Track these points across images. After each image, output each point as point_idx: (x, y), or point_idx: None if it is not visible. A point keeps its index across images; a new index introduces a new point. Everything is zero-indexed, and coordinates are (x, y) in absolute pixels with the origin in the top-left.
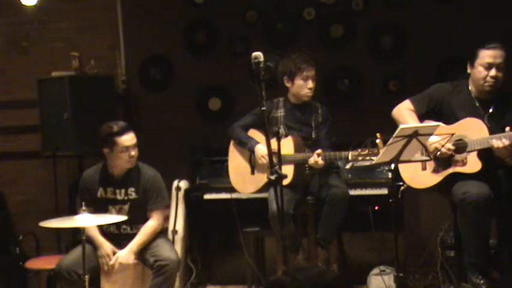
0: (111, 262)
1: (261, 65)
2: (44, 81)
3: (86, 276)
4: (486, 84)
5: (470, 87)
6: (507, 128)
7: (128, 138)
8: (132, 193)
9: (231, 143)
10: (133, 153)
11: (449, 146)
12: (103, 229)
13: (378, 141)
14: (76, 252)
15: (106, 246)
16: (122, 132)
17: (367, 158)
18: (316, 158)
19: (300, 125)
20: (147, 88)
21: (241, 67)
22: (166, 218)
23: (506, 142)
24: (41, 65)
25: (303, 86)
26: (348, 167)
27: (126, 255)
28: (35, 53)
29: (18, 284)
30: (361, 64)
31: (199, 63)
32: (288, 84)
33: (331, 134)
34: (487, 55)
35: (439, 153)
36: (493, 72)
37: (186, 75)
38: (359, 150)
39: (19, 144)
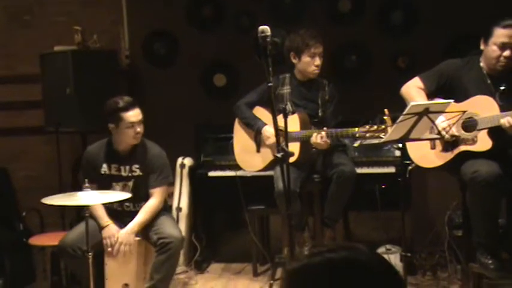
0: (112, 242)
1: (268, 40)
2: (46, 55)
3: (90, 254)
4: (499, 64)
5: (481, 64)
6: None
7: (134, 114)
8: (137, 170)
9: (236, 120)
10: (138, 129)
11: (456, 132)
12: (105, 206)
13: (385, 117)
14: (79, 229)
15: (111, 227)
16: (128, 107)
17: (376, 134)
18: (316, 139)
19: (306, 102)
20: (151, 63)
21: (247, 43)
22: (170, 195)
23: None
24: (44, 39)
25: (310, 63)
26: (356, 145)
27: (126, 235)
28: (37, 27)
29: (22, 261)
30: (369, 40)
31: (205, 38)
32: (294, 61)
33: (338, 112)
34: (503, 34)
35: (446, 135)
36: (507, 52)
37: (190, 50)
38: (367, 127)
39: (22, 120)
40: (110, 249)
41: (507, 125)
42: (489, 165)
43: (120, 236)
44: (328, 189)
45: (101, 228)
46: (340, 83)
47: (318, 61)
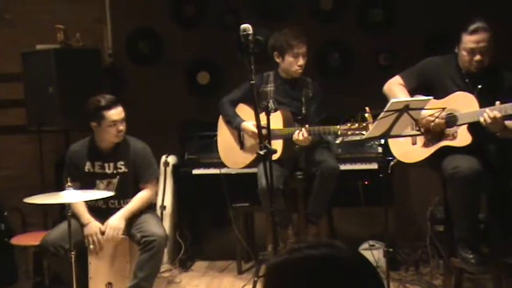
0: (103, 228)
1: (250, 38)
2: (28, 54)
3: (73, 253)
4: (473, 67)
5: (460, 63)
6: (497, 102)
7: (116, 112)
8: (122, 166)
9: (220, 118)
10: (121, 127)
11: (440, 120)
12: (90, 204)
13: (367, 115)
14: (62, 227)
15: (93, 224)
16: (109, 106)
17: (357, 132)
18: (298, 136)
19: (290, 100)
20: (134, 61)
21: (230, 41)
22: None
23: (498, 114)
24: (25, 38)
25: (293, 63)
26: (338, 141)
27: (117, 221)
28: (19, 25)
29: (4, 261)
30: (351, 38)
31: (188, 36)
32: (278, 60)
33: (321, 110)
34: (470, 40)
35: (432, 124)
36: (477, 57)
37: (174, 48)
38: (348, 125)
39: (4, 119)
40: (92, 246)
41: (488, 120)
42: (469, 161)
43: (110, 222)
44: (312, 186)
45: (82, 226)
46: (323, 80)
47: (301, 61)
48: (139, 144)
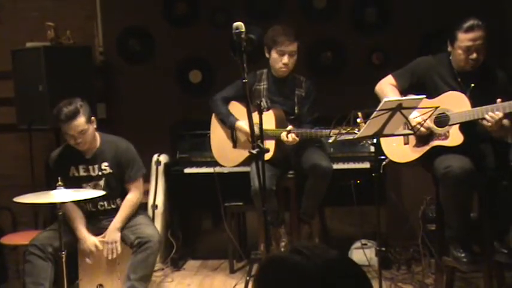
0: (100, 247)
1: (243, 36)
2: (18, 52)
3: (63, 253)
4: (468, 65)
5: (452, 62)
6: (499, 100)
7: (72, 127)
8: (107, 168)
9: (213, 115)
10: (79, 140)
11: (431, 124)
12: (80, 208)
13: (359, 120)
14: (51, 228)
15: (89, 242)
16: (65, 120)
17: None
18: (287, 138)
19: (283, 99)
20: (125, 60)
21: (222, 39)
22: (145, 193)
23: (500, 114)
24: (15, 35)
25: (277, 61)
26: (330, 141)
27: (111, 233)
28: (9, 23)
29: None
30: (344, 37)
31: (180, 34)
32: (267, 56)
33: (314, 109)
34: (465, 38)
35: (422, 128)
36: (473, 55)
37: (166, 46)
38: (340, 129)
39: None
40: (88, 260)
41: (491, 119)
42: (461, 161)
43: (107, 237)
44: (305, 186)
45: (77, 238)
46: (316, 78)
47: (285, 59)
48: (122, 143)
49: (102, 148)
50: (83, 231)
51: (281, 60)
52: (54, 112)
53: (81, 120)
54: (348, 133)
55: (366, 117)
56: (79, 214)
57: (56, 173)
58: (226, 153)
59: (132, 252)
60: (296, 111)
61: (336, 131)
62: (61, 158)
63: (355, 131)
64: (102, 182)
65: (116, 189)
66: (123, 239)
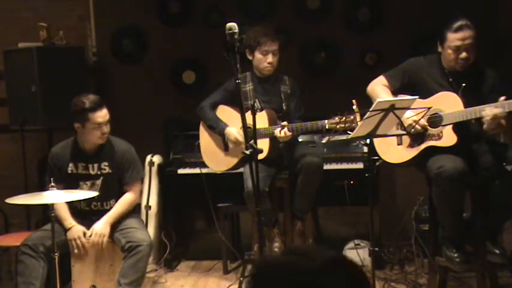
0: (88, 234)
1: (236, 37)
2: (10, 52)
3: (56, 254)
4: (458, 65)
5: (442, 63)
6: (502, 98)
7: (101, 115)
8: (106, 167)
9: (201, 123)
10: (105, 129)
11: (424, 122)
12: (72, 207)
13: (354, 107)
14: (43, 228)
15: (76, 228)
16: (95, 108)
17: (346, 125)
18: (280, 134)
19: (270, 98)
20: (119, 60)
21: (216, 40)
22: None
23: (503, 112)
24: (7, 35)
25: (262, 61)
26: (324, 141)
27: (101, 226)
28: (1, 23)
29: None
30: (337, 37)
31: (173, 34)
32: (250, 57)
33: (301, 105)
34: (455, 38)
35: (413, 129)
36: (463, 54)
37: (159, 47)
38: (336, 119)
39: None
40: (76, 250)
41: (491, 115)
42: (454, 161)
43: (96, 227)
44: (297, 182)
45: (65, 230)
46: (309, 78)
47: (270, 58)
48: (124, 145)
49: (104, 148)
50: (69, 220)
51: (266, 59)
52: (72, 107)
53: (106, 108)
54: (344, 128)
55: (361, 116)
56: (65, 206)
57: (53, 168)
58: (217, 159)
59: (123, 257)
60: (284, 107)
61: (334, 121)
62: (62, 153)
63: (352, 119)
64: (99, 182)
65: (112, 190)
66: (115, 243)
